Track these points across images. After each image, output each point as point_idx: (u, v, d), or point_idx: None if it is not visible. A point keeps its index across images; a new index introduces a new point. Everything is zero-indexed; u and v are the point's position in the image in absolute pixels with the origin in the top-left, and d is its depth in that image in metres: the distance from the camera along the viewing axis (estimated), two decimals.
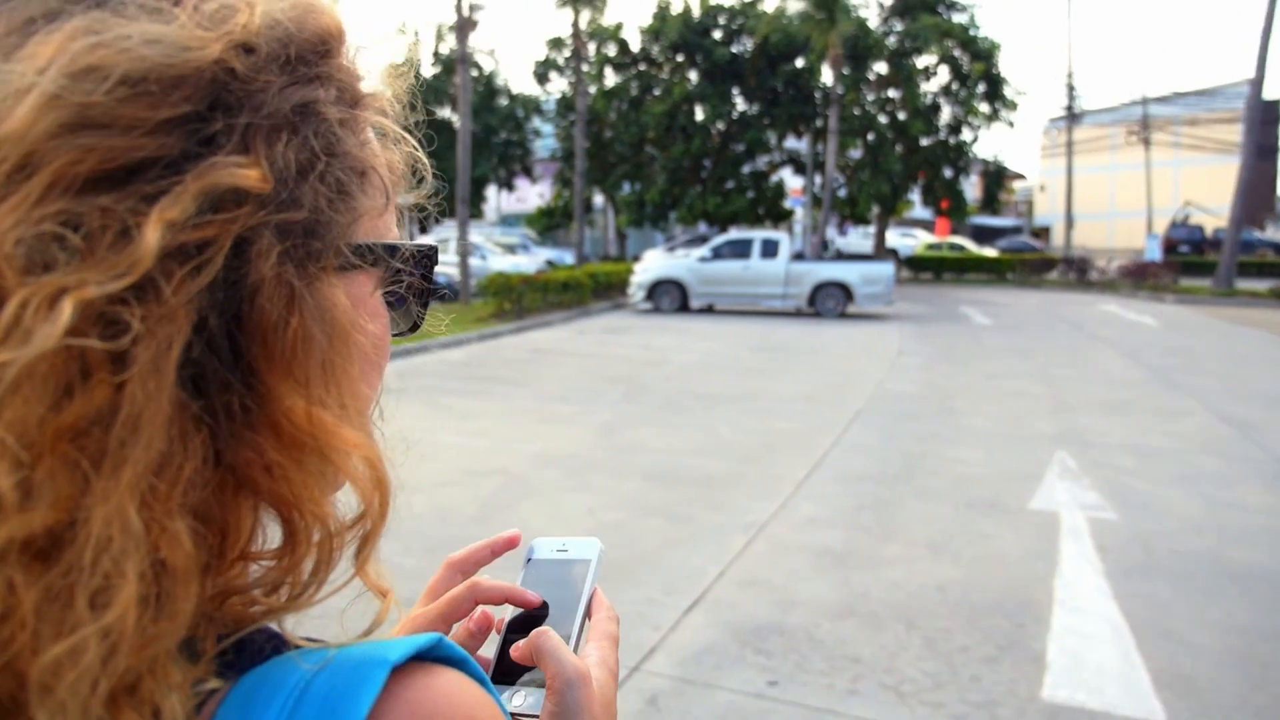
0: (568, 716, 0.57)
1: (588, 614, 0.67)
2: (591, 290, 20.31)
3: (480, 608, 0.68)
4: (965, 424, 8.54)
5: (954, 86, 31.91)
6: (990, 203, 34.39)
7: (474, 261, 24.22)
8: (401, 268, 0.49)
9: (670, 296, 19.77)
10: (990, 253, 39.07)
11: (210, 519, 0.40)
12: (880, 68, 31.31)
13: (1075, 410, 9.22)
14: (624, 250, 38.11)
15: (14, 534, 0.34)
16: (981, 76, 31.36)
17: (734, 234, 20.49)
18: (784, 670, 3.67)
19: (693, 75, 33.29)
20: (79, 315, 0.34)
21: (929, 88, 31.91)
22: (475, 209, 40.90)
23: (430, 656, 0.44)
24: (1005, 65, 73.18)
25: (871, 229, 37.39)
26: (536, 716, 0.59)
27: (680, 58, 33.33)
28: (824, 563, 4.89)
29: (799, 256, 28.07)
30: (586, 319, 18.10)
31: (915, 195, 35.86)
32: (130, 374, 0.35)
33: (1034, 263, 33.71)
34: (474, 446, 7.24)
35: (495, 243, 27.58)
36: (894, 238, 45.79)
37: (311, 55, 0.44)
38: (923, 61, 31.24)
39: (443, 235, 27.06)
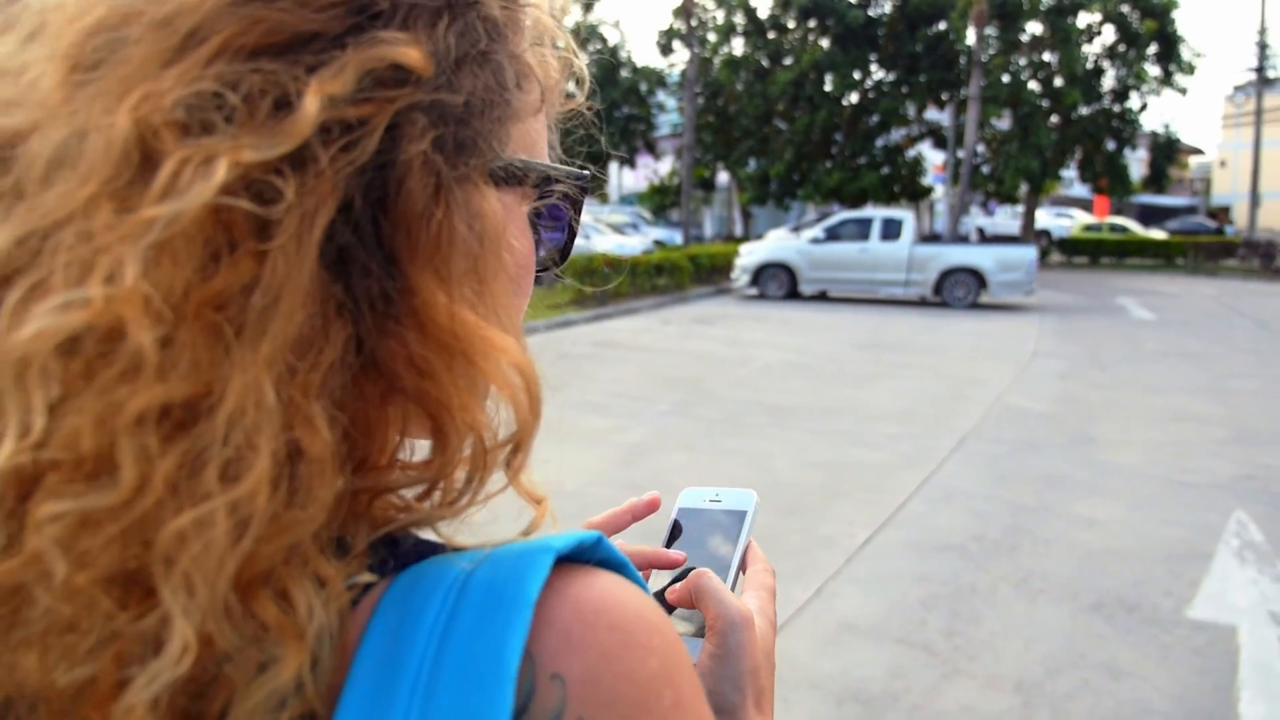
0: (730, 659, 0.56)
1: (742, 567, 0.65)
2: (692, 274, 18.65)
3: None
4: (1106, 460, 6.52)
5: (1120, 48, 28.37)
6: (1158, 179, 30.64)
7: (577, 241, 22.97)
8: (553, 189, 0.48)
9: (777, 282, 17.89)
10: (1158, 235, 35.06)
11: (354, 412, 0.40)
12: (1034, 28, 28.17)
13: (1262, 443, 7.01)
14: (748, 230, 36.16)
15: (153, 400, 0.34)
16: (1153, 36, 27.73)
17: (852, 213, 18.41)
18: None
19: (824, 43, 30.89)
20: (234, 177, 0.34)
21: (1090, 50, 28.51)
22: (598, 187, 39.72)
23: (591, 557, 0.43)
24: (1182, 23, 66.78)
25: (1020, 209, 34.08)
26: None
27: (812, 23, 30.99)
28: (848, 715, 3.18)
29: (933, 238, 25.64)
30: (680, 306, 16.47)
31: (1072, 172, 32.38)
32: (275, 244, 0.35)
33: (1209, 246, 29.70)
34: None
35: (602, 222, 26.24)
36: (1048, 218, 42.00)
37: None
38: (1084, 20, 27.90)
39: None
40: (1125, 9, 27.83)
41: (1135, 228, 36.98)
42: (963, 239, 34.91)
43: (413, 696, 0.36)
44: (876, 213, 17.76)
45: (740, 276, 18.25)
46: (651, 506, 0.70)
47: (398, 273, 0.39)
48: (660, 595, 0.63)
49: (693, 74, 24.63)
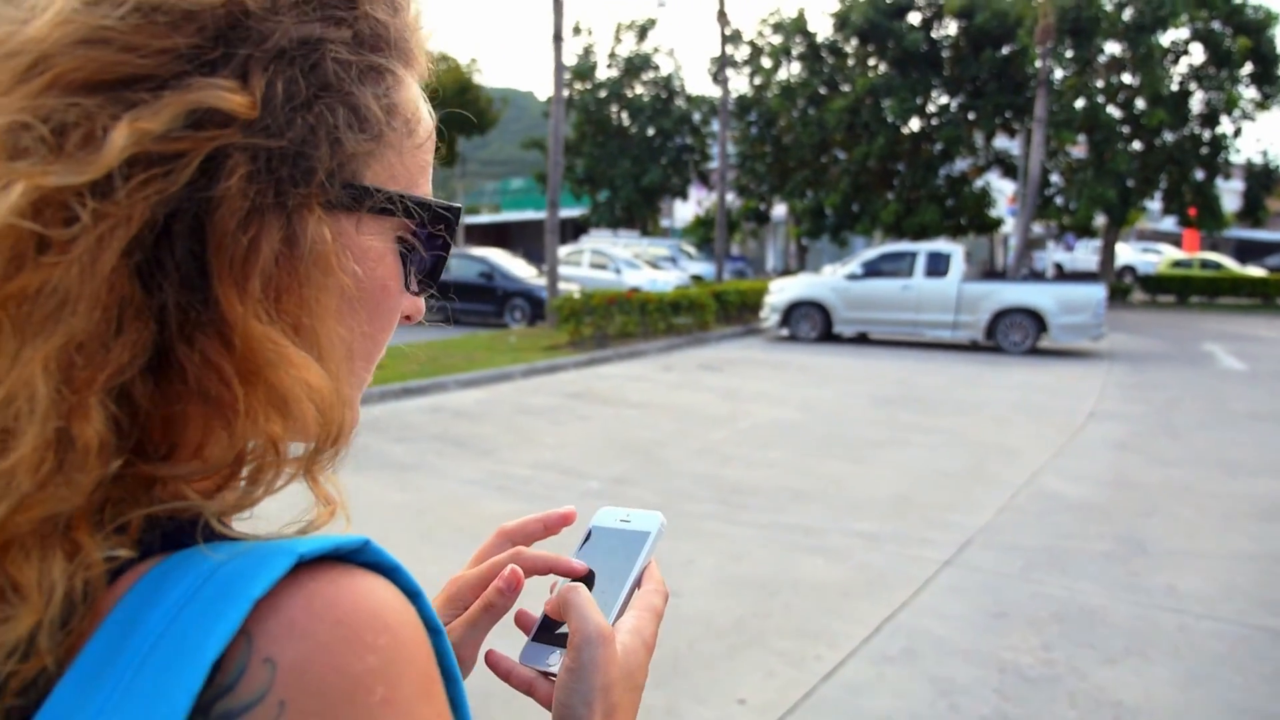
0: (582, 674, 0.56)
1: (637, 585, 0.66)
2: (718, 313, 16.97)
3: (510, 566, 0.66)
4: (1159, 586, 4.65)
5: (1210, 69, 25.88)
6: (1254, 211, 27.83)
7: (605, 275, 21.54)
8: (401, 214, 0.50)
9: (810, 322, 16.08)
10: (1256, 272, 31.99)
11: (155, 408, 0.43)
12: (1112, 48, 25.91)
13: None
14: (804, 265, 34.27)
15: None
16: (1248, 55, 25.25)
17: (893, 245, 16.54)
18: None
19: (882, 68, 29.02)
20: (31, 200, 0.38)
21: (1176, 70, 26.09)
22: (649, 219, 38.42)
23: (357, 560, 0.44)
24: None
25: (1099, 243, 31.45)
26: (546, 672, 0.61)
27: (870, 47, 29.16)
28: None
29: (997, 275, 23.51)
30: (693, 350, 14.78)
31: (1156, 203, 29.73)
32: (68, 257, 0.39)
33: None
34: None
35: (640, 255, 24.75)
36: (1132, 253, 39.09)
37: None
38: (1169, 38, 25.54)
39: (582, 246, 24.54)
40: (1216, 25, 25.41)
41: (1230, 264, 33.91)
42: (1037, 276, 32.56)
43: (127, 668, 0.39)
44: (921, 246, 15.84)
45: (770, 316, 16.50)
46: (565, 520, 0.72)
47: (205, 286, 0.42)
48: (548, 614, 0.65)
49: (726, 99, 22.97)
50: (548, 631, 0.65)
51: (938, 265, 15.31)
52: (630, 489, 6.30)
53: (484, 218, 49.15)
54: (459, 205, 0.55)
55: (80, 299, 0.39)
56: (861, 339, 16.41)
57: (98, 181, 0.39)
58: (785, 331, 16.41)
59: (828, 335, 16.05)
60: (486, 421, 8.55)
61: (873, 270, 15.83)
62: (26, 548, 0.39)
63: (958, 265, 15.19)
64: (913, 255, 15.61)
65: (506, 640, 0.72)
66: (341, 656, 0.39)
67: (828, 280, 16.36)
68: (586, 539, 0.72)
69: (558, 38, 16.00)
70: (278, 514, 0.48)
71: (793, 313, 16.22)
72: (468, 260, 18.84)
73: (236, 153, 0.42)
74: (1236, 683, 3.64)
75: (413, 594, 0.45)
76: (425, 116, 0.54)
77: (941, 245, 15.77)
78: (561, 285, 17.81)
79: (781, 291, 16.56)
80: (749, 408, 9.48)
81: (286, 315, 0.44)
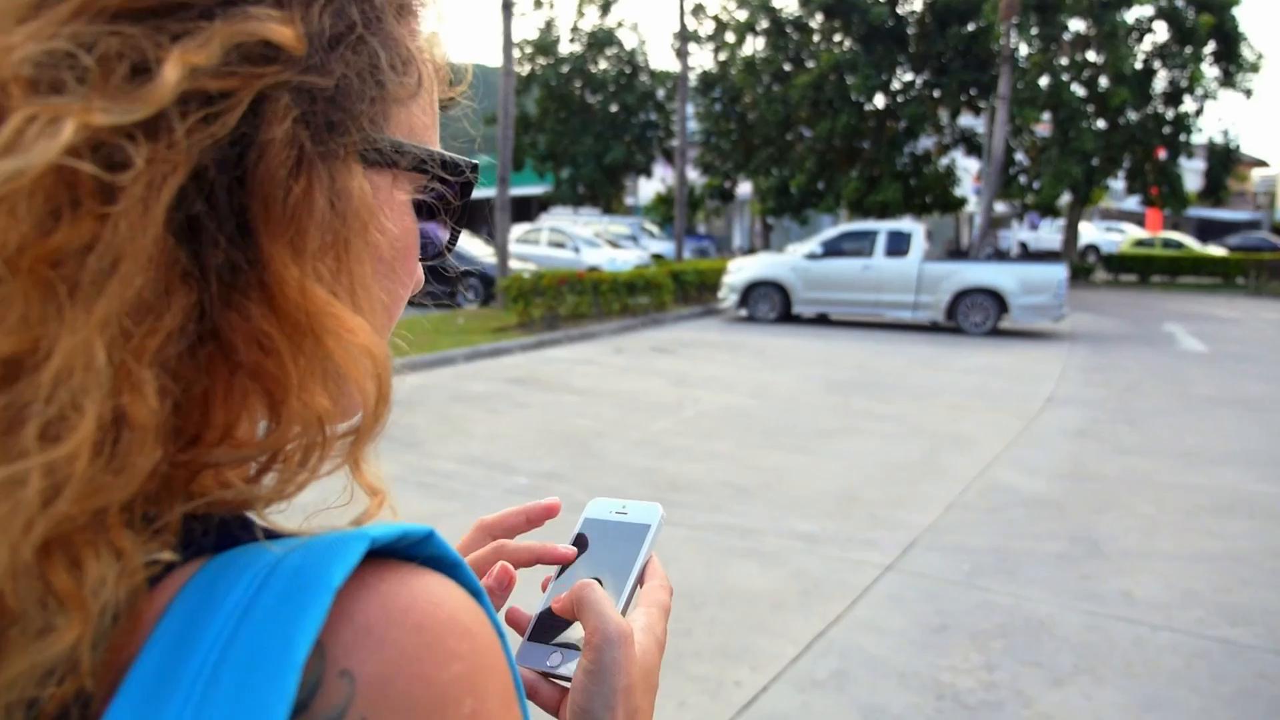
0: (603, 676, 0.54)
1: (640, 581, 0.64)
2: (676, 293, 16.57)
3: (500, 563, 0.64)
4: (1113, 592, 4.34)
5: (1173, 46, 25.74)
6: (1215, 191, 27.83)
7: (563, 254, 21.04)
8: (439, 175, 0.47)
9: (769, 302, 15.73)
10: (1217, 251, 32.08)
11: (189, 384, 0.38)
12: (1077, 25, 25.66)
13: None
14: (768, 244, 33.91)
15: None
16: (1210, 33, 25.13)
17: (852, 225, 16.21)
18: None
19: (847, 44, 28.59)
20: (81, 139, 0.33)
21: (1140, 49, 25.92)
22: (614, 198, 37.82)
23: (418, 553, 0.41)
24: (1244, 18, 62.40)
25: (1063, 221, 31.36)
26: (568, 680, 0.57)
27: (835, 22, 28.71)
28: None
29: (959, 254, 23.31)
30: (648, 331, 14.37)
31: (1119, 182, 29.66)
32: (119, 208, 0.34)
33: (1274, 265, 26.73)
34: None
35: (601, 234, 24.27)
36: (1096, 232, 39.18)
37: None
38: (1133, 15, 25.35)
39: (540, 224, 24.00)
40: (1180, 2, 25.25)
41: (1192, 244, 34.01)
42: (1002, 255, 32.44)
43: (196, 680, 0.34)
44: (881, 225, 15.50)
45: (727, 296, 16.13)
46: (550, 511, 0.69)
47: (251, 245, 0.38)
48: (545, 610, 0.63)
49: (685, 74, 22.44)
50: (544, 630, 0.62)
51: (898, 245, 15.00)
52: (559, 485, 5.91)
53: None
54: (477, 162, 0.51)
55: (132, 256, 0.34)
56: (821, 320, 16.10)
57: (148, 121, 0.34)
58: (744, 312, 16.06)
59: (787, 316, 15.72)
60: (419, 410, 8.10)
61: (833, 250, 15.49)
62: (74, 549, 0.34)
63: (919, 245, 14.89)
64: (873, 234, 15.29)
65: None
66: (425, 666, 0.36)
67: (787, 260, 16.01)
68: (579, 536, 0.69)
69: (507, 6, 15.43)
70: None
71: (751, 293, 15.86)
72: None
73: (286, 93, 0.38)
74: (1194, 706, 3.32)
75: (475, 593, 0.41)
76: (441, 60, 0.50)
77: (903, 225, 15.45)
78: (517, 265, 17.33)
79: (740, 271, 16.19)
80: (697, 394, 9.10)
81: (342, 275, 0.40)
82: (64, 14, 0.34)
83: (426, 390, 9.05)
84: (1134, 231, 39.09)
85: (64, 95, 0.34)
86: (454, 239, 0.53)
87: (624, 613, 0.61)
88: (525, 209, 38.41)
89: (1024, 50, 25.55)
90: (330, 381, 0.40)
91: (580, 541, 0.67)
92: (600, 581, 0.61)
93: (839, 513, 5.46)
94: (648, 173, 36.63)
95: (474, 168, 0.50)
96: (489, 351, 11.22)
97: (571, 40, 36.36)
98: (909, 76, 28.59)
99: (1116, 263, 30.18)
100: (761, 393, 9.23)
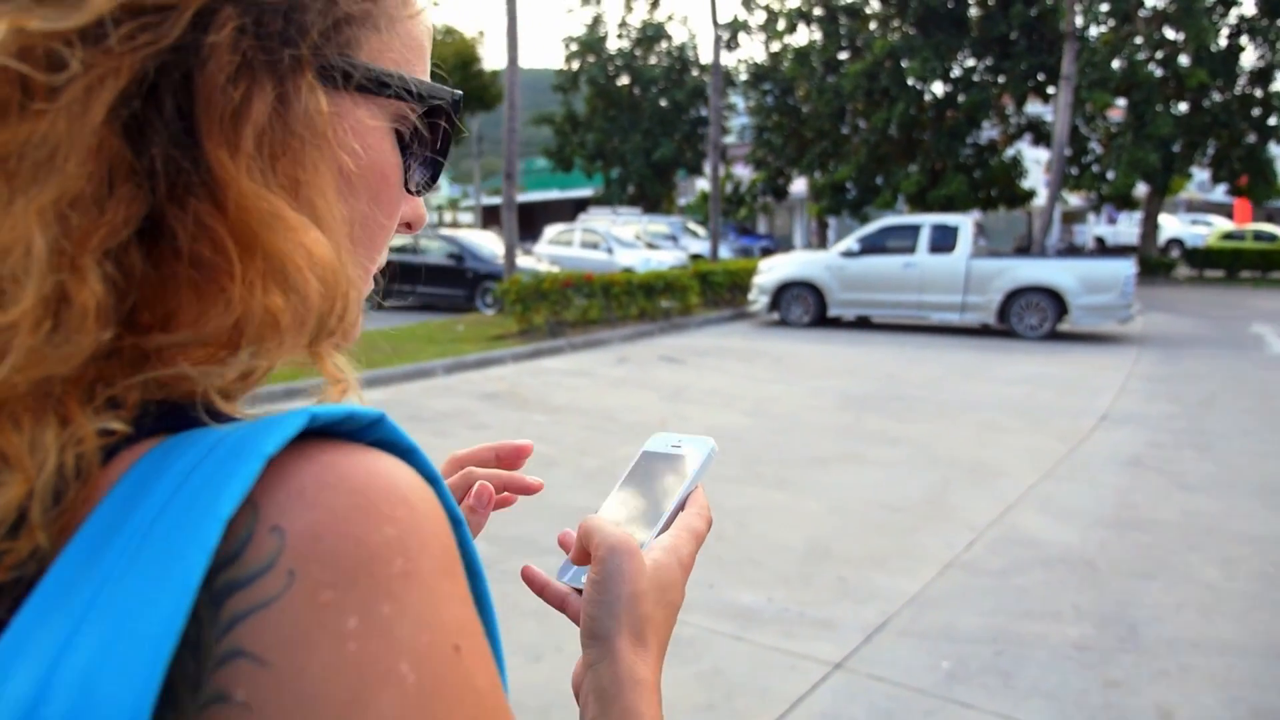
0: (607, 584, 0.56)
1: (680, 508, 0.66)
2: (703, 295, 15.40)
3: (479, 481, 0.69)
4: (1149, 706, 3.08)
5: (1262, 20, 23.56)
6: None
7: (596, 256, 20.03)
8: (403, 98, 0.47)
9: (802, 304, 14.44)
10: None
11: (143, 276, 0.41)
12: (1154, 1, 23.68)
13: None
14: (824, 244, 32.38)
15: None
16: None
17: (893, 219, 14.81)
18: None
19: (904, 29, 26.97)
20: (18, 43, 0.36)
21: (1225, 22, 23.79)
22: (665, 197, 36.70)
23: (371, 436, 0.42)
24: None
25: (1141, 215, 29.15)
26: (579, 589, 0.60)
27: (891, 6, 27.12)
28: None
29: (1024, 251, 21.64)
30: (666, 337, 13.23)
31: (1204, 171, 27.41)
32: (57, 105, 0.37)
33: None
34: None
35: (640, 233, 23.19)
36: (1180, 225, 36.60)
37: None
38: None
39: (575, 225, 23.00)
40: None
41: None
42: (1075, 251, 30.40)
43: (134, 535, 0.37)
44: (925, 218, 14.09)
45: (757, 299, 14.89)
46: (520, 452, 0.73)
47: (195, 145, 0.40)
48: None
49: (717, 62, 21.16)
50: (586, 553, 0.64)
51: (944, 240, 13.58)
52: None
53: (501, 199, 47.89)
54: (459, 93, 0.51)
55: (70, 152, 0.37)
56: (862, 323, 14.75)
57: (87, 28, 0.37)
58: (776, 316, 14.81)
59: (823, 319, 14.42)
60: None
61: (871, 246, 14.13)
62: (17, 414, 0.37)
63: (966, 239, 13.45)
64: (916, 229, 13.88)
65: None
66: (357, 526, 0.37)
67: (822, 258, 14.71)
68: (637, 460, 0.71)
69: None
70: None
71: (783, 295, 14.59)
72: (436, 241, 17.42)
73: (228, 5, 0.40)
74: None
75: (431, 479, 0.42)
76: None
77: (948, 218, 14.00)
78: (545, 267, 16.35)
79: (770, 271, 14.93)
80: (687, 411, 7.96)
81: (283, 179, 0.41)
82: None
83: (386, 407, 7.98)
84: (1222, 224, 36.44)
85: (7, 3, 0.36)
86: (436, 172, 0.53)
87: (657, 535, 0.63)
88: (575, 211, 37.55)
89: (1094, 30, 23.71)
90: (276, 275, 0.40)
91: (635, 468, 0.70)
92: (643, 507, 0.66)
93: (797, 577, 4.28)
94: (699, 170, 35.44)
95: (456, 100, 0.50)
96: (474, 363, 10.22)
97: (620, 35, 35.41)
98: (970, 62, 26.87)
99: (1201, 257, 27.91)
100: (762, 410, 8.03)
